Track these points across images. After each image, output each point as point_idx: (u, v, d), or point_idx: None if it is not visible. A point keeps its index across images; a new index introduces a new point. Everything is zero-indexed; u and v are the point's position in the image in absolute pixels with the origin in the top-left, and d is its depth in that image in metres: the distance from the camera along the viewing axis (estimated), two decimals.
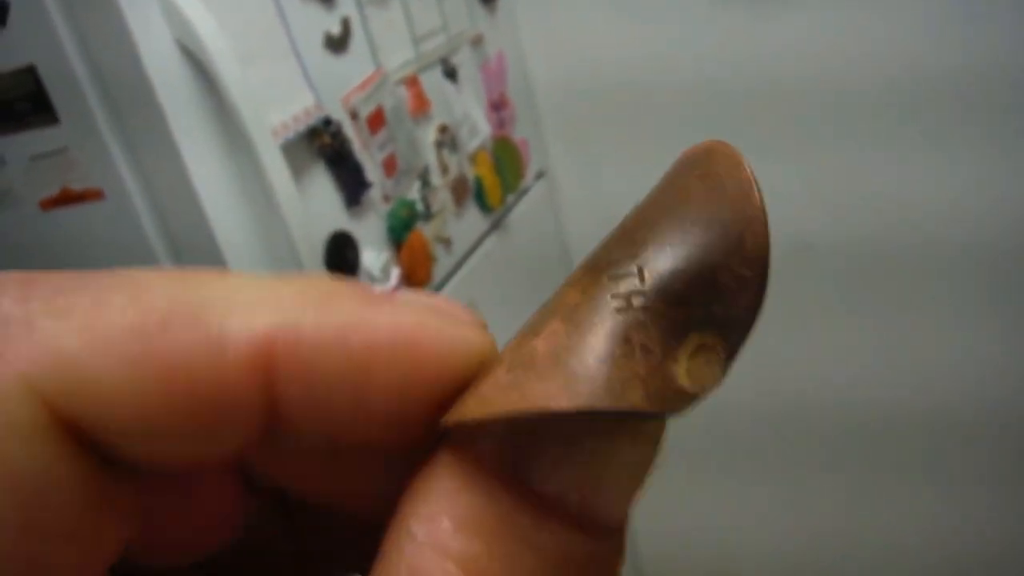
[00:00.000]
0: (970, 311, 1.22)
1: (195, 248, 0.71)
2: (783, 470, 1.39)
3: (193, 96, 0.68)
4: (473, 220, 1.09)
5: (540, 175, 1.31)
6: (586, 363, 0.12)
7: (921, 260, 1.20)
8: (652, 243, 0.13)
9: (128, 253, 0.73)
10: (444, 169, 1.02)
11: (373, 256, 0.87)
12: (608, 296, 0.12)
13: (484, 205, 1.11)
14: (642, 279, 0.12)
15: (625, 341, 0.12)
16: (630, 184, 1.29)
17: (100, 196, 0.71)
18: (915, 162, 1.17)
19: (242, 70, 0.69)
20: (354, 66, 0.88)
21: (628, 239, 0.13)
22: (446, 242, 1.02)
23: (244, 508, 0.14)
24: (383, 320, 0.12)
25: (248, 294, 0.11)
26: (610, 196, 1.34)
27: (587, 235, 1.38)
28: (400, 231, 0.91)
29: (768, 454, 1.41)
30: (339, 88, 0.85)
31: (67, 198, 0.72)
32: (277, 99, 0.75)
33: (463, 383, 0.12)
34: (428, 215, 0.98)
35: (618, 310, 0.12)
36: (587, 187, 1.36)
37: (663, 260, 0.12)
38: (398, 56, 0.96)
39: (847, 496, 1.41)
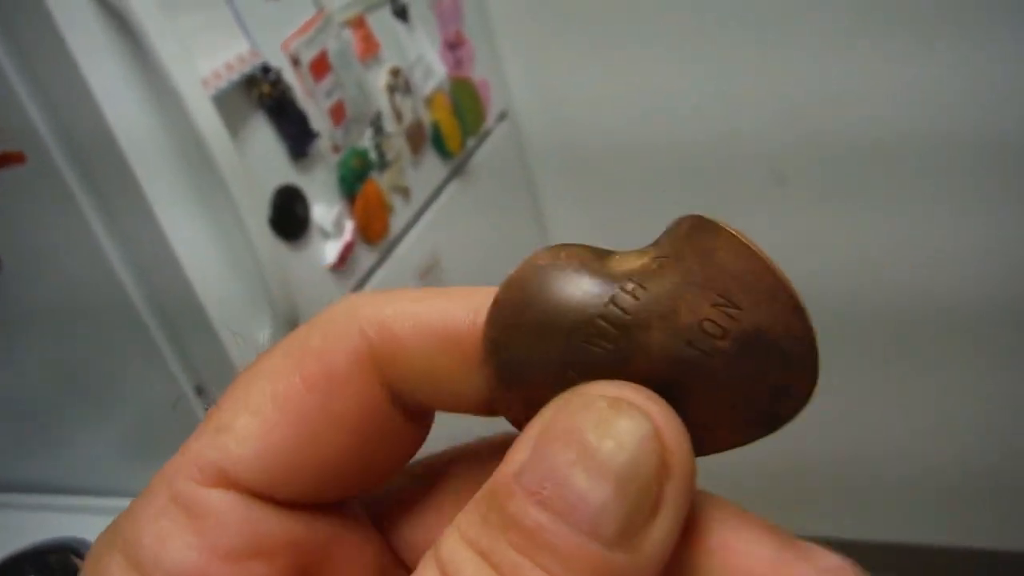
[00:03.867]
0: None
1: (127, 212, 0.67)
2: None
3: (111, 47, 0.63)
4: (432, 167, 1.05)
5: (503, 116, 1.26)
6: None
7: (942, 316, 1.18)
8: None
9: (54, 215, 0.68)
10: (398, 115, 0.97)
11: (324, 209, 0.84)
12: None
13: (443, 151, 1.06)
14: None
15: None
16: (597, 123, 1.25)
17: (21, 160, 0.67)
18: (919, 220, 1.15)
19: (163, 15, 0.63)
20: (293, 8, 0.83)
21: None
22: (404, 192, 0.98)
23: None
24: None
25: (464, 293, 0.16)
26: (577, 136, 1.30)
27: (553, 176, 1.34)
28: (352, 182, 0.87)
29: None
30: (277, 33, 0.80)
31: None
32: (206, 46, 0.70)
33: None
34: (383, 164, 0.94)
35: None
36: (553, 126, 1.31)
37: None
38: None
39: None
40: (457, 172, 1.11)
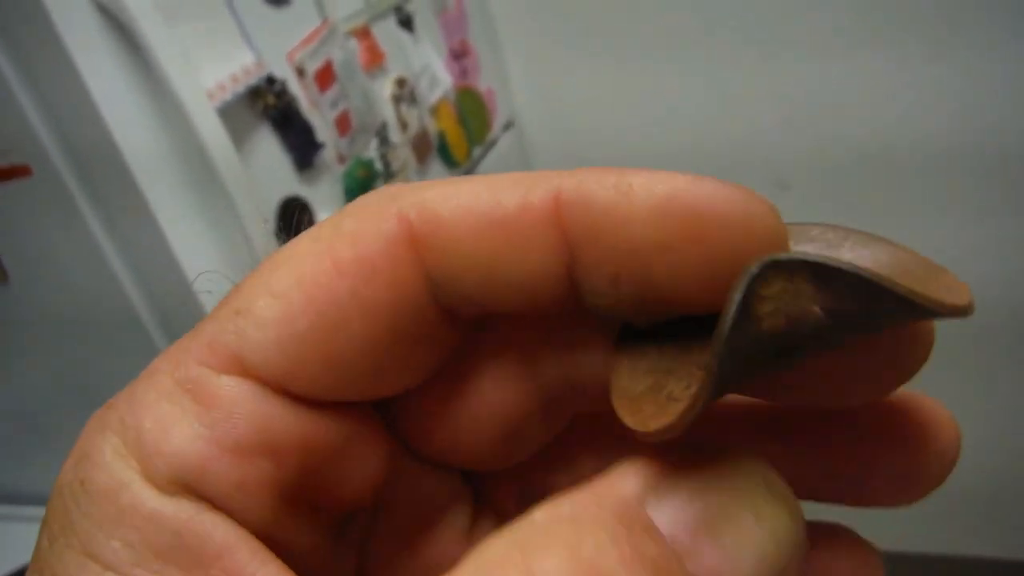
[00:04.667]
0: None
1: (132, 223, 0.67)
2: None
3: (116, 60, 0.63)
4: (438, 176, 1.05)
5: (508, 125, 1.26)
6: None
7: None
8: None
9: (60, 227, 0.68)
10: (403, 125, 0.97)
11: None
12: None
13: (449, 160, 1.06)
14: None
15: None
16: (602, 131, 1.25)
17: (28, 173, 0.67)
18: (921, 226, 1.14)
19: (168, 28, 0.63)
20: (298, 19, 0.83)
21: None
22: None
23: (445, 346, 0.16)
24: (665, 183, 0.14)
25: (552, 175, 0.14)
26: (582, 142, 1.30)
27: None
28: (357, 192, 0.87)
29: None
30: (282, 43, 0.80)
31: None
32: (211, 58, 0.70)
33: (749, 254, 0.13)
34: (388, 174, 0.93)
35: None
36: (558, 135, 1.31)
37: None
38: (346, 6, 0.90)
39: None
40: None
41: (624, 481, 0.13)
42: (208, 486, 0.13)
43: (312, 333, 0.14)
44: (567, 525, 0.12)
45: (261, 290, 0.14)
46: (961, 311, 0.13)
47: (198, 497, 0.13)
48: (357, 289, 0.14)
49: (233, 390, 0.14)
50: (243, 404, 0.14)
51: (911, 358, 0.14)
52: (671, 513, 0.12)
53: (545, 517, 0.12)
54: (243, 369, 0.14)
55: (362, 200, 0.15)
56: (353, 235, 0.14)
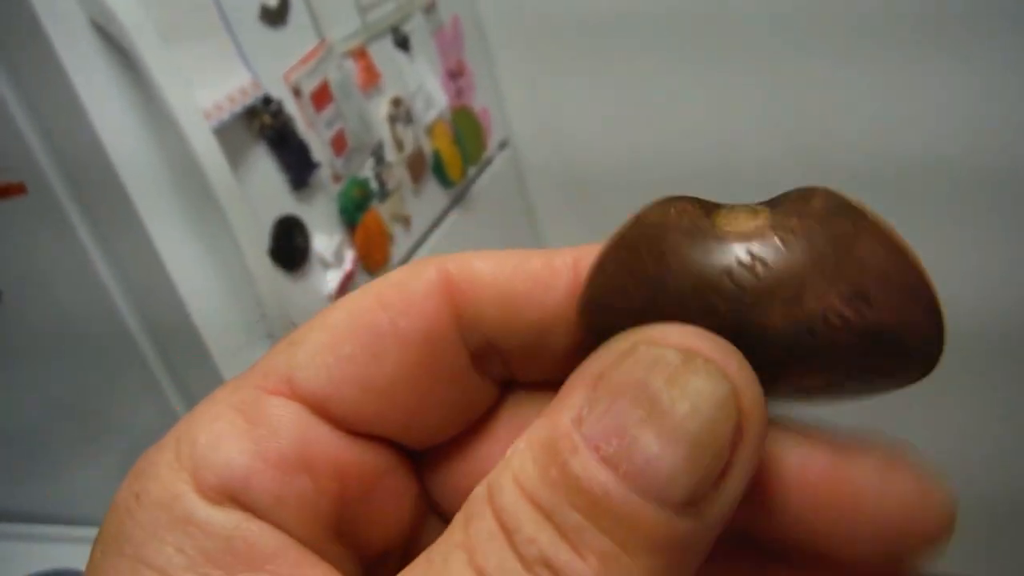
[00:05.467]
0: None
1: (127, 243, 0.67)
2: None
3: (112, 79, 0.64)
4: (433, 196, 1.05)
5: (503, 145, 1.26)
6: None
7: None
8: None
9: (54, 246, 0.68)
10: (399, 144, 0.97)
11: (325, 240, 0.83)
12: None
13: (444, 179, 1.07)
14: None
15: None
16: (598, 150, 1.26)
17: (22, 191, 0.67)
18: (917, 245, 1.15)
19: (164, 48, 0.64)
20: (295, 39, 0.83)
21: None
22: (404, 221, 0.98)
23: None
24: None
25: (573, 249, 0.17)
26: (577, 161, 1.30)
27: (555, 205, 1.34)
28: (353, 212, 0.87)
29: None
30: (279, 64, 0.80)
31: None
32: (208, 78, 0.70)
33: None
34: (384, 193, 0.94)
35: None
36: (554, 153, 1.31)
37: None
38: (343, 27, 0.91)
39: None
40: (458, 200, 1.11)
41: (567, 400, 0.13)
42: (252, 497, 0.15)
43: (354, 357, 0.16)
44: (517, 460, 0.13)
45: (316, 324, 0.16)
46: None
47: (244, 508, 0.14)
48: (395, 320, 0.16)
49: (280, 409, 0.15)
50: (287, 422, 0.15)
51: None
52: (598, 423, 0.13)
53: (515, 447, 0.14)
54: (292, 391, 0.16)
55: (412, 261, 0.18)
56: (399, 281, 0.17)
